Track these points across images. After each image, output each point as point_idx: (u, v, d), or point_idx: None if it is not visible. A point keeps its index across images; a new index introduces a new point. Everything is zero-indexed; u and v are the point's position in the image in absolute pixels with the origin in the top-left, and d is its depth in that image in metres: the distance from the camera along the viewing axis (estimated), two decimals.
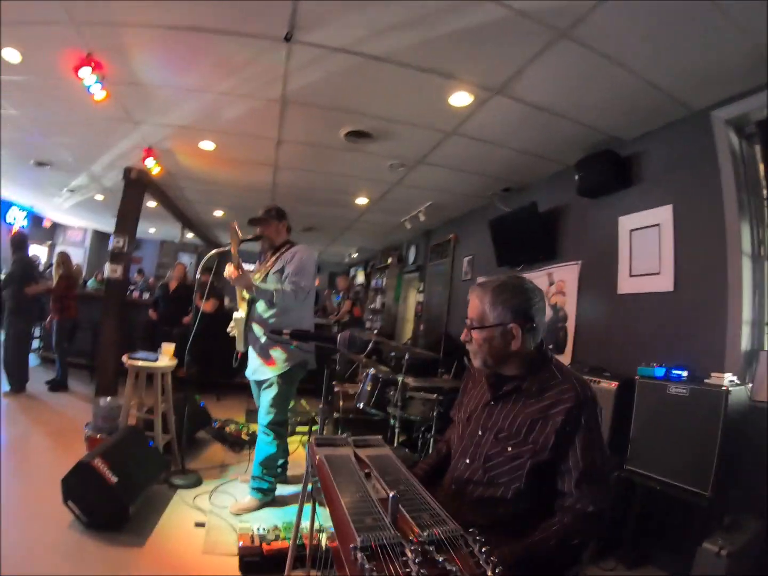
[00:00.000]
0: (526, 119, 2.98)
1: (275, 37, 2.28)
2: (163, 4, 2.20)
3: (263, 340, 2.69)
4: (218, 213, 7.31)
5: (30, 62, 2.90)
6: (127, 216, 5.25)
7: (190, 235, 9.17)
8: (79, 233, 11.36)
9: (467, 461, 1.29)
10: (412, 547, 0.76)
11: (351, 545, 0.78)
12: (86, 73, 2.78)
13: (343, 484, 1.15)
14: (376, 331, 6.71)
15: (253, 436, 3.72)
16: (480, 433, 1.30)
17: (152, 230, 10.33)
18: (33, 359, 5.61)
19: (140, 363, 3.05)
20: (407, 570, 0.71)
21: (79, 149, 4.76)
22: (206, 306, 5.15)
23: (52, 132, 4.34)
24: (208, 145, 4.18)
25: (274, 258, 2.84)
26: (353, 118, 3.29)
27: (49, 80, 3.12)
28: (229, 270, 2.55)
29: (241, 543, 2.07)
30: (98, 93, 2.98)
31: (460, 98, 2.77)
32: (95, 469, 2.15)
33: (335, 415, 4.34)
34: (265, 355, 2.71)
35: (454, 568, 0.72)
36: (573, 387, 1.18)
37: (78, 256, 10.46)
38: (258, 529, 2.20)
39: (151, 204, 6.52)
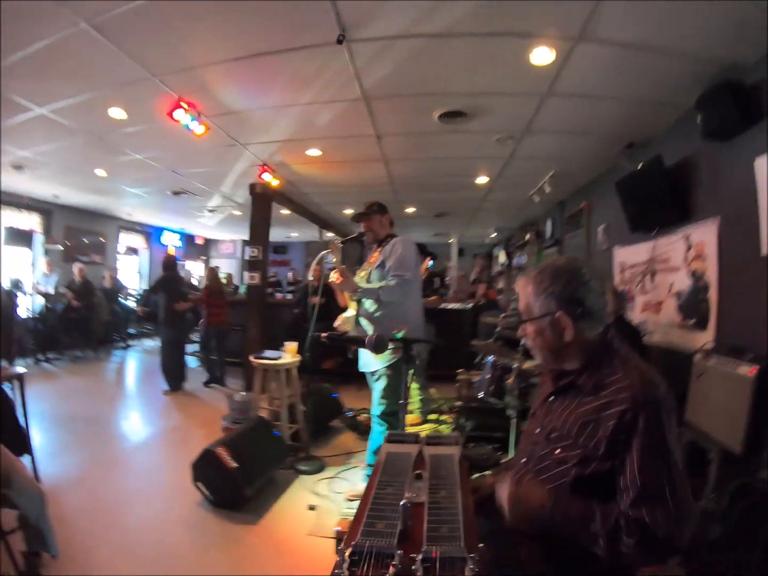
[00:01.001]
0: (621, 63, 2.60)
1: (330, 42, 2.39)
2: (222, 42, 2.53)
3: (371, 333, 2.84)
4: (348, 210, 7.72)
5: (134, 116, 3.58)
6: (259, 227, 5.97)
7: (330, 234, 9.97)
8: (230, 245, 13.23)
9: (523, 461, 1.23)
10: (395, 562, 0.79)
11: (345, 547, 0.84)
12: (181, 115, 3.32)
13: (386, 483, 1.22)
14: (503, 316, 6.54)
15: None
16: (537, 431, 1.23)
17: (294, 234, 11.54)
18: (193, 362, 6.86)
19: (264, 361, 3.51)
20: None
21: (205, 176, 5.64)
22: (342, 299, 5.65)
23: (178, 166, 5.23)
24: (314, 152, 4.55)
25: (377, 253, 2.99)
26: (440, 100, 3.26)
27: (154, 126, 3.78)
28: (333, 276, 2.79)
29: (338, 528, 2.26)
30: (197, 128, 3.53)
31: (541, 55, 2.53)
32: (218, 456, 2.58)
33: (457, 403, 4.44)
34: None
35: None
36: (631, 385, 1.03)
37: (231, 266, 12.21)
38: None
39: (285, 212, 7.35)
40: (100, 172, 5.41)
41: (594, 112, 3.29)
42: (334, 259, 2.77)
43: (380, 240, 2.99)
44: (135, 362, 7.33)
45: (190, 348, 7.21)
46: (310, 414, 3.74)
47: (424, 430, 4.17)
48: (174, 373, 5.35)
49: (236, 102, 3.36)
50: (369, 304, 2.85)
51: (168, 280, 5.41)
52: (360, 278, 3.04)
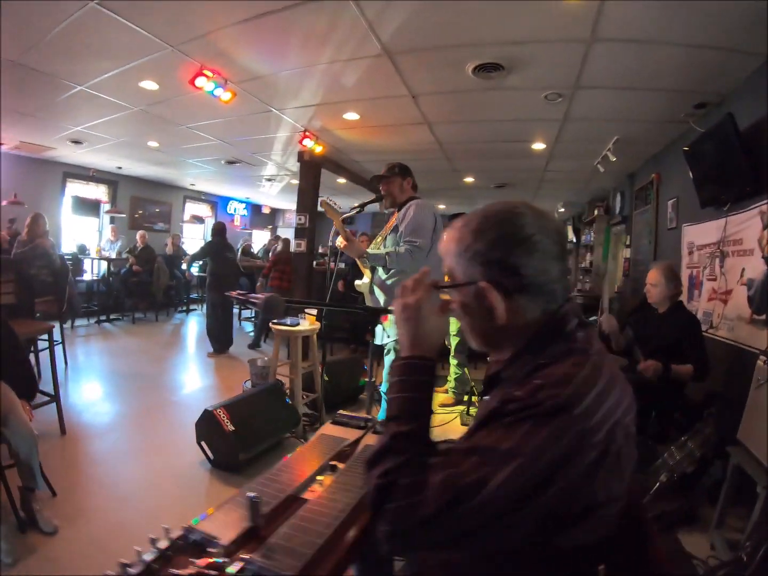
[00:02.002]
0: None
1: None
2: (226, 5, 2.52)
3: (382, 303, 2.80)
4: None
5: (165, 87, 3.72)
6: (306, 194, 6.02)
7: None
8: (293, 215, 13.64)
9: None
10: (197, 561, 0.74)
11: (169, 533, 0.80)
12: (203, 82, 3.38)
13: (287, 470, 1.15)
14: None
15: None
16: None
17: (356, 203, 11.63)
18: (249, 326, 7.30)
19: (282, 327, 3.55)
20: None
21: (252, 144, 5.76)
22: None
23: (225, 135, 5.39)
24: (352, 116, 4.47)
25: (393, 218, 2.93)
26: (470, 52, 3.00)
27: (190, 96, 3.88)
28: (339, 241, 2.76)
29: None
30: (223, 95, 3.59)
31: None
32: (215, 417, 2.68)
33: (450, 393, 4.30)
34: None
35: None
36: (539, 386, 0.72)
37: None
38: None
39: (341, 181, 7.40)
40: (153, 144, 5.76)
41: (649, 62, 2.85)
42: (336, 224, 2.72)
43: (400, 204, 2.90)
44: (193, 325, 7.88)
45: (246, 313, 7.69)
46: (332, 383, 3.81)
47: (455, 411, 4.07)
48: (219, 336, 5.66)
49: (257, 66, 3.36)
50: (382, 272, 2.80)
51: (215, 245, 5.70)
52: (376, 243, 2.99)
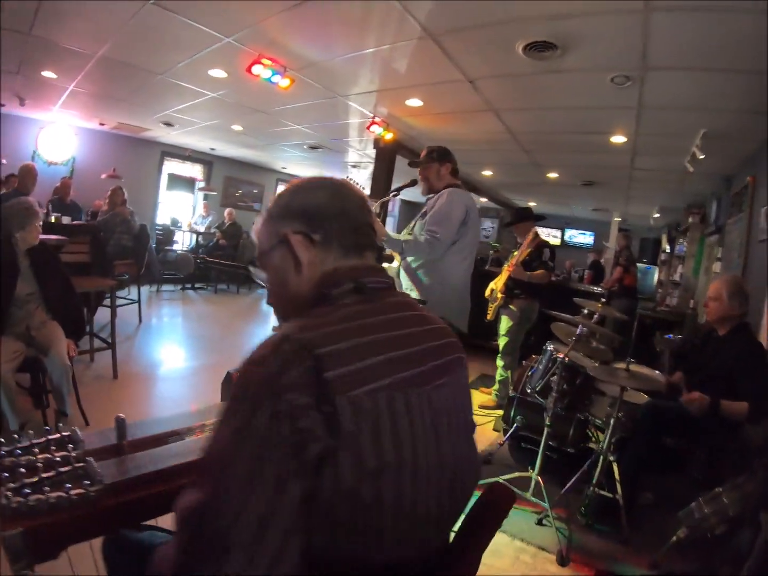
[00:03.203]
0: None
1: None
2: None
3: (404, 287, 2.85)
4: (487, 172, 7.56)
5: (232, 75, 4.09)
6: (379, 181, 6.16)
7: (483, 200, 9.90)
8: (389, 204, 13.95)
9: None
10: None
11: None
12: (259, 70, 3.67)
13: None
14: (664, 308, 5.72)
15: None
16: None
17: None
18: None
19: None
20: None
21: (327, 130, 6.07)
22: None
23: (299, 120, 5.74)
24: (415, 102, 4.53)
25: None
26: (516, 29, 2.87)
27: (252, 82, 4.14)
28: None
29: None
30: (281, 81, 3.85)
31: None
32: (232, 379, 2.93)
33: (510, 393, 4.12)
34: None
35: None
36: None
37: (389, 225, 12.94)
38: None
39: None
40: (237, 128, 6.34)
41: (728, 37, 2.52)
42: None
43: (438, 191, 2.86)
44: None
45: None
46: None
47: (491, 415, 4.01)
48: None
49: (309, 53, 3.57)
50: (411, 258, 2.82)
51: None
52: (407, 229, 3.05)
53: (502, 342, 4.24)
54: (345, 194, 0.86)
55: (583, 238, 11.30)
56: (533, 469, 2.57)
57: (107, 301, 3.73)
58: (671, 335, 3.31)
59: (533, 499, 2.46)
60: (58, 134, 7.15)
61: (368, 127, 5.30)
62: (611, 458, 2.45)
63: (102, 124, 6.96)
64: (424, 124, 5.22)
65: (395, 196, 3.17)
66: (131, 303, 5.10)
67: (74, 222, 4.78)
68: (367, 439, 0.63)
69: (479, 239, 3.12)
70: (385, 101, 4.62)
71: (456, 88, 3.93)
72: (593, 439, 3.11)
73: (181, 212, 9.03)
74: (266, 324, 6.27)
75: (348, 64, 3.73)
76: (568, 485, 2.49)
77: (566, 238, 11.40)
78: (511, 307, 4.13)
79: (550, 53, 3.05)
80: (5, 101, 5.54)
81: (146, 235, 5.19)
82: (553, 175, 6.81)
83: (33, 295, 2.57)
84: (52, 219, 4.33)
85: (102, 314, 4.00)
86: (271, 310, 0.98)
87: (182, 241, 8.74)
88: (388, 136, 5.48)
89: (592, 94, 3.63)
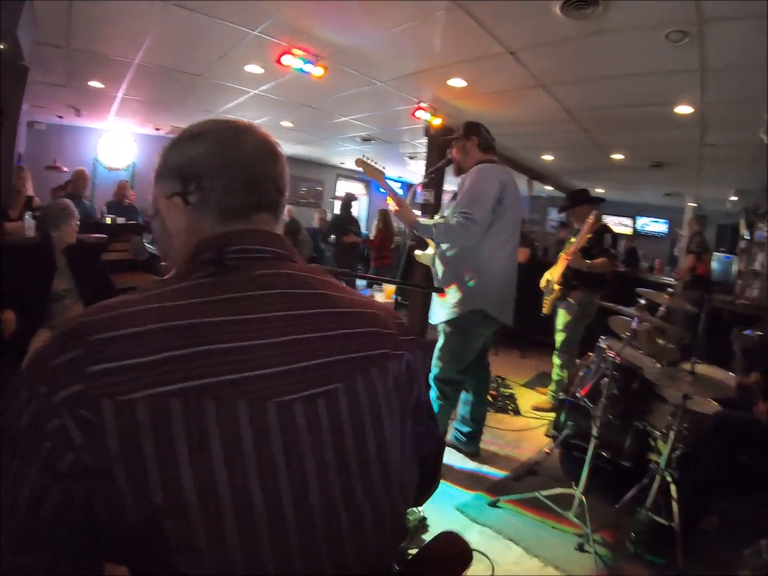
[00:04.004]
0: None
1: None
2: None
3: (440, 276, 2.66)
4: (547, 157, 7.14)
5: (268, 69, 4.07)
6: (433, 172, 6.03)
7: (548, 188, 9.44)
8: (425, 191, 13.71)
9: None
10: None
11: None
12: (289, 60, 3.59)
13: None
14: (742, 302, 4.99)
15: (505, 398, 3.89)
16: None
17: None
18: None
19: None
20: None
21: (376, 120, 5.92)
22: (519, 256, 5.40)
23: (345, 112, 5.63)
24: (458, 83, 4.25)
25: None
26: None
27: (289, 75, 4.17)
28: (391, 205, 2.70)
29: None
30: (314, 71, 3.76)
31: None
32: None
33: (560, 395, 3.71)
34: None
35: None
36: None
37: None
38: None
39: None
40: (286, 124, 6.39)
41: None
42: (382, 185, 2.64)
43: (468, 170, 2.62)
44: None
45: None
46: None
47: (545, 419, 3.65)
48: None
49: (337, 39, 3.44)
50: (444, 244, 2.61)
51: (339, 218, 6.09)
52: (439, 214, 2.86)
53: (558, 338, 3.87)
54: (232, 142, 0.67)
55: (656, 226, 10.45)
56: (578, 485, 2.25)
57: None
58: (751, 331, 2.80)
59: (575, 519, 2.15)
60: (117, 141, 7.63)
61: (413, 113, 5.08)
62: (669, 477, 2.08)
63: (157, 129, 7.34)
64: (472, 107, 4.90)
65: (431, 176, 2.96)
66: None
67: (129, 222, 5.01)
68: (147, 462, 0.46)
69: (521, 220, 2.79)
70: (427, 84, 4.39)
71: (497, 62, 3.62)
72: (655, 451, 2.70)
73: None
74: None
75: (379, 46, 3.55)
76: (618, 505, 2.16)
77: (638, 226, 10.60)
78: (568, 299, 3.75)
79: (591, 10, 2.65)
80: (62, 113, 5.98)
81: None
82: (618, 156, 6.20)
83: (69, 290, 2.69)
84: (108, 220, 4.57)
85: None
86: None
87: None
88: (436, 121, 5.22)
89: (646, 56, 3.16)
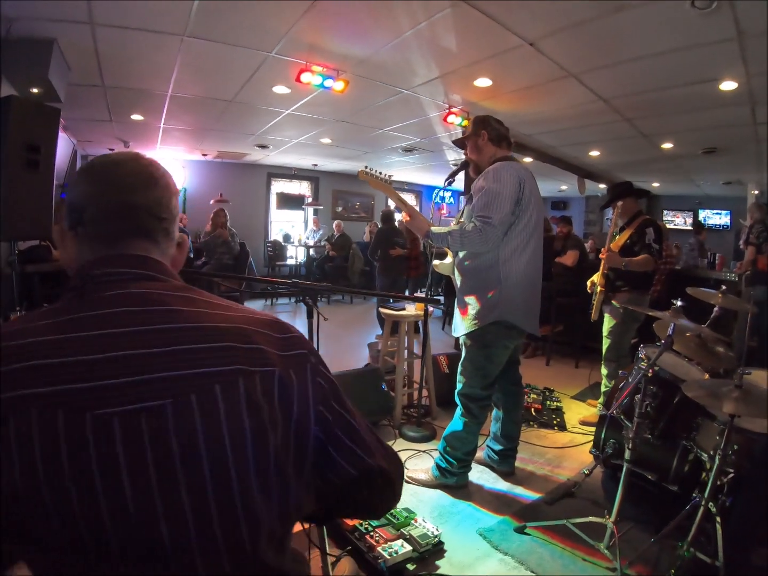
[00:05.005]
0: None
1: None
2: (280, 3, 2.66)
3: (458, 286, 2.46)
4: (594, 152, 6.68)
5: (294, 89, 4.12)
6: (472, 178, 5.83)
7: (602, 186, 8.82)
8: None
9: None
10: None
11: None
12: (308, 77, 3.59)
13: None
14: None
15: (550, 412, 3.58)
16: None
17: (564, 187, 10.61)
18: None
19: (387, 311, 3.47)
20: None
21: (412, 130, 5.84)
22: (566, 259, 5.12)
23: (380, 124, 5.61)
24: (484, 82, 4.06)
25: None
26: None
27: (315, 93, 4.19)
28: (402, 216, 2.55)
29: None
30: (335, 85, 3.73)
31: None
32: None
33: (600, 410, 3.30)
34: (461, 305, 2.43)
35: None
36: None
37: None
38: None
39: (527, 159, 6.88)
40: (326, 140, 6.42)
41: None
42: (390, 196, 2.48)
43: (484, 169, 2.39)
44: None
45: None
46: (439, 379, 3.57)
47: (591, 434, 3.26)
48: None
49: (353, 50, 3.40)
50: (461, 252, 2.42)
51: (383, 232, 6.04)
52: (455, 219, 2.68)
53: (605, 345, 3.47)
54: (107, 174, 0.71)
55: (718, 218, 9.55)
56: (611, 514, 1.95)
57: None
58: None
59: (607, 552, 1.87)
60: (167, 169, 8.00)
61: (445, 119, 4.92)
62: (713, 508, 1.74)
63: (204, 155, 7.65)
64: (502, 107, 4.65)
65: (451, 183, 2.78)
66: None
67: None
68: None
69: (542, 219, 2.48)
70: (453, 87, 4.23)
71: (519, 56, 3.39)
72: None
73: (294, 228, 9.56)
74: (369, 333, 6.15)
75: (395, 53, 3.45)
76: (655, 538, 1.85)
77: (700, 220, 9.63)
78: (613, 302, 3.37)
79: None
80: (112, 146, 6.39)
81: (246, 254, 5.49)
82: (667, 145, 5.66)
83: None
84: None
85: None
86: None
87: (296, 256, 9.18)
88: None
89: (674, 30, 2.81)
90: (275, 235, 9.28)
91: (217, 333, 0.63)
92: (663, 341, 1.97)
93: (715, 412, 1.96)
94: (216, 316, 0.66)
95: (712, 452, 1.90)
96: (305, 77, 3.61)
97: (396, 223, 6.34)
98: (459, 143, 2.59)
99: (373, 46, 3.33)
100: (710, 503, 1.75)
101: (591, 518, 2.00)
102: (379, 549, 1.88)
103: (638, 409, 1.94)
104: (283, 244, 8.67)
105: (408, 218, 2.42)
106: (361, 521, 2.03)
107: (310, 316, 1.72)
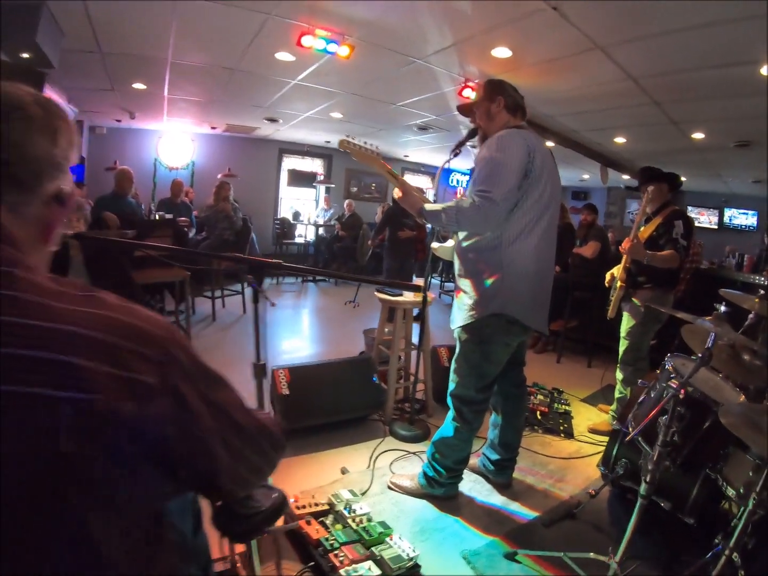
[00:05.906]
0: None
1: None
2: None
3: (456, 272, 2.14)
4: (619, 139, 6.13)
5: (298, 56, 3.80)
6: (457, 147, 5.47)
7: (626, 177, 8.26)
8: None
9: None
10: None
11: None
12: (310, 41, 3.27)
13: None
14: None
15: (558, 416, 3.25)
16: None
17: (586, 176, 10.00)
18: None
19: (383, 296, 3.10)
20: None
21: (425, 105, 5.38)
22: (585, 250, 4.76)
23: (391, 97, 5.19)
24: (503, 52, 3.64)
25: None
26: None
27: (320, 60, 3.88)
28: (395, 192, 2.22)
29: (293, 499, 1.91)
30: (340, 50, 3.40)
31: None
32: (275, 376, 2.58)
33: (613, 424, 2.91)
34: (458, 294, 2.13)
35: None
36: None
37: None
38: (346, 506, 1.94)
39: (549, 144, 6.42)
40: (336, 115, 6.03)
41: None
42: (379, 169, 2.10)
43: None
44: None
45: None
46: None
47: (600, 444, 2.91)
48: None
49: (357, 12, 3.04)
50: (460, 233, 2.08)
51: (392, 211, 5.71)
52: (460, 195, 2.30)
53: (622, 347, 3.09)
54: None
55: (744, 219, 8.90)
56: (615, 552, 1.64)
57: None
58: None
59: None
60: (175, 141, 7.71)
61: (460, 93, 4.50)
62: (736, 558, 1.41)
63: (213, 128, 7.31)
64: (523, 80, 4.13)
65: (456, 154, 2.41)
66: (235, 294, 5.12)
67: (168, 218, 4.98)
68: None
69: (558, 197, 2.10)
70: (469, 56, 3.80)
71: (541, 22, 2.96)
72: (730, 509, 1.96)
73: (305, 206, 9.21)
74: (374, 318, 5.84)
75: (405, 16, 3.06)
76: None
77: (725, 219, 9.10)
78: (633, 300, 2.99)
79: None
80: (118, 117, 6.11)
81: (248, 230, 5.20)
82: (698, 135, 5.11)
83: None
84: (156, 217, 4.56)
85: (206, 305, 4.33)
86: None
87: (305, 234, 8.87)
88: None
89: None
90: (285, 212, 8.96)
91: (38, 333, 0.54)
92: (700, 355, 1.60)
93: (750, 444, 1.61)
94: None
95: (742, 490, 1.57)
96: (306, 41, 3.27)
97: None
98: (465, 110, 2.19)
99: (381, 7, 2.95)
100: (734, 553, 1.42)
101: (592, 555, 1.70)
102: (341, 572, 1.61)
103: (662, 436, 1.59)
104: (292, 222, 8.36)
105: (401, 194, 2.07)
106: (326, 536, 1.77)
107: (255, 300, 1.40)
